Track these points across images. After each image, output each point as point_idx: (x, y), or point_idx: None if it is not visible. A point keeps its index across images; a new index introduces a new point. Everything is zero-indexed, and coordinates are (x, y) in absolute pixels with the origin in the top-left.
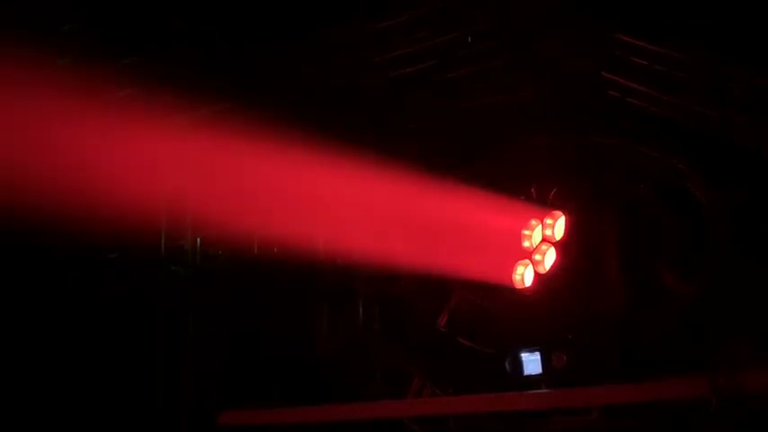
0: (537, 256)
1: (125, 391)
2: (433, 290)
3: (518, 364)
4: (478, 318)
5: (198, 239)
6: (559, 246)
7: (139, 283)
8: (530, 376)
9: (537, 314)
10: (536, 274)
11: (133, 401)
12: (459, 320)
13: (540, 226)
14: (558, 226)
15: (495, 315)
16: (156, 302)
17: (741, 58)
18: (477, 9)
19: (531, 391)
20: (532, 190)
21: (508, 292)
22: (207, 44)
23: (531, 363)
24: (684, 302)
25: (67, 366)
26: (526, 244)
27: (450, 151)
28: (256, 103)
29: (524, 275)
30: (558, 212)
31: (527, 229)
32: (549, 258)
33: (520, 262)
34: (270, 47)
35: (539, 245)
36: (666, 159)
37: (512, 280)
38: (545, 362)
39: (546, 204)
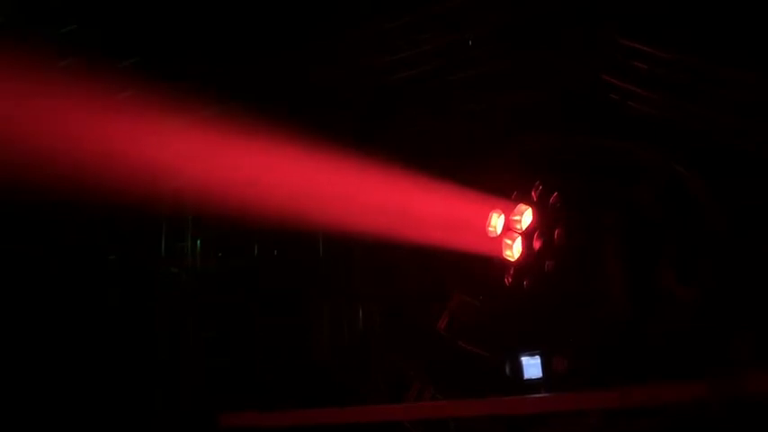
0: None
1: (125, 393)
2: (433, 293)
3: (518, 368)
4: (478, 321)
5: (198, 241)
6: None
7: (139, 284)
8: (530, 380)
9: (537, 318)
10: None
11: (133, 403)
12: (459, 324)
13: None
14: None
15: (495, 318)
16: (155, 304)
17: (740, 62)
18: (478, 12)
19: (532, 395)
20: (533, 193)
21: (508, 296)
22: (208, 45)
23: (532, 366)
24: (685, 305)
25: (67, 368)
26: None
27: (450, 153)
28: (257, 105)
29: (513, 249)
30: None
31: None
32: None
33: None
34: (271, 49)
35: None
36: (666, 161)
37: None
38: (545, 365)
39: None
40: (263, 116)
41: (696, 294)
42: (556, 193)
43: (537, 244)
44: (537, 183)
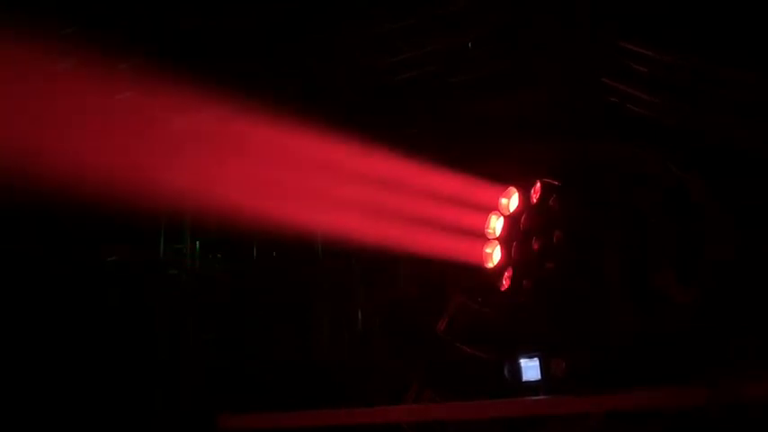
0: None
1: (124, 395)
2: (432, 295)
3: (517, 371)
4: (478, 323)
5: (197, 243)
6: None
7: (138, 286)
8: (528, 382)
9: (536, 320)
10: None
11: (133, 406)
12: (459, 326)
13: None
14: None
15: (495, 321)
16: (154, 306)
17: (741, 64)
18: (478, 15)
19: (530, 398)
20: (532, 194)
21: (508, 298)
22: (209, 46)
23: (530, 369)
24: (684, 309)
25: (67, 371)
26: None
27: (450, 156)
28: (257, 106)
29: (492, 255)
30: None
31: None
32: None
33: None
34: (272, 50)
35: None
36: (666, 165)
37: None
38: (544, 368)
39: None
40: (261, 118)
41: (696, 295)
42: (554, 196)
43: (536, 245)
44: (536, 182)
